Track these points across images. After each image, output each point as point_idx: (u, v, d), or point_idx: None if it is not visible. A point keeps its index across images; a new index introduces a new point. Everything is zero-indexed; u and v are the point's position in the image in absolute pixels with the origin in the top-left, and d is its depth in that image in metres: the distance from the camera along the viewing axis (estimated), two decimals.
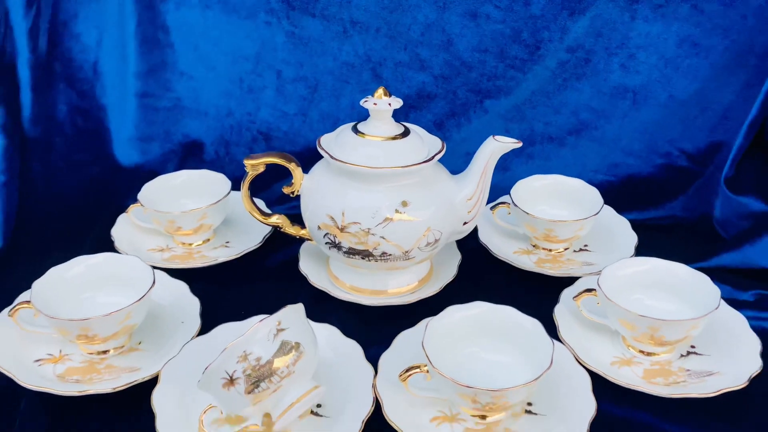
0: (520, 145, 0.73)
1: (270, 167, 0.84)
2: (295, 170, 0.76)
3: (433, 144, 0.75)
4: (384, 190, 0.71)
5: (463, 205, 0.74)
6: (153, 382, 0.64)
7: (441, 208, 0.73)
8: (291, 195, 0.77)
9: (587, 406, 0.62)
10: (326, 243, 0.74)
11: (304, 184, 0.76)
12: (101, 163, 0.96)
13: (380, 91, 0.73)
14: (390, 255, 0.72)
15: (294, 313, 0.59)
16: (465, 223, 0.76)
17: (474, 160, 0.75)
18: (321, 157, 0.75)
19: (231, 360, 0.55)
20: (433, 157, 0.72)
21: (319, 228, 0.74)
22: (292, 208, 0.82)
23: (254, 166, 0.75)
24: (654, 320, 0.65)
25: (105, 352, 0.70)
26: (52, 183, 0.92)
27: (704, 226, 0.91)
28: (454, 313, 0.66)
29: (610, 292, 0.69)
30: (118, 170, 0.96)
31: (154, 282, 0.69)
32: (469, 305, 0.66)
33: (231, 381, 0.56)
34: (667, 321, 0.65)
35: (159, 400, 0.62)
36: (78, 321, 0.64)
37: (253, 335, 0.56)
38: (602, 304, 0.70)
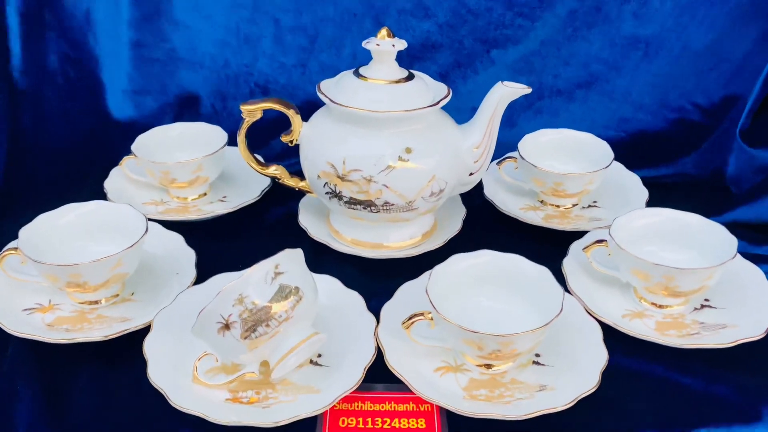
0: (529, 91, 0.70)
1: (268, 122, 0.81)
2: (294, 117, 0.72)
3: (439, 90, 0.72)
4: (387, 137, 0.68)
5: (470, 154, 0.71)
6: (146, 331, 0.62)
7: (446, 156, 0.70)
8: (290, 144, 0.74)
9: (598, 357, 0.59)
10: (326, 193, 0.71)
11: (303, 132, 0.73)
12: (94, 117, 0.92)
13: (383, 31, 0.69)
14: (393, 205, 0.70)
15: (293, 256, 0.56)
16: (471, 174, 0.73)
17: (481, 107, 0.72)
18: None
19: (226, 303, 0.53)
20: (438, 102, 0.69)
21: (318, 177, 0.71)
22: (291, 165, 0.79)
23: (251, 112, 0.72)
24: (669, 269, 0.62)
25: (96, 302, 0.67)
26: (42, 136, 0.89)
27: (717, 183, 0.88)
28: (459, 261, 0.63)
29: (623, 242, 0.66)
30: (111, 124, 0.93)
31: (147, 229, 0.67)
32: (476, 253, 0.64)
33: (226, 326, 0.53)
34: (682, 269, 0.62)
35: (151, 347, 0.59)
36: (67, 267, 0.62)
37: (249, 278, 0.53)
38: (614, 254, 0.67)
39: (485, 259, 0.63)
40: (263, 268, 0.54)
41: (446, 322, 0.56)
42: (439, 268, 0.62)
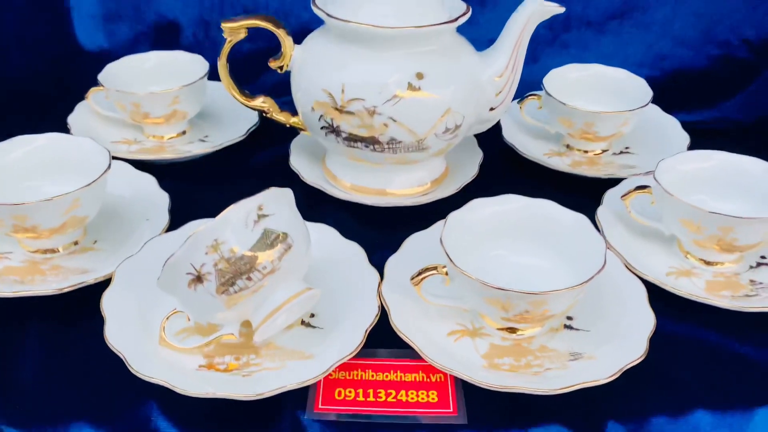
0: (562, 10, 0.59)
1: (256, 55, 0.70)
2: (285, 39, 0.62)
3: (456, 8, 0.61)
4: (394, 59, 0.57)
5: (491, 84, 0.61)
6: (107, 285, 0.52)
7: (464, 85, 0.59)
8: (279, 71, 0.63)
9: (644, 321, 0.50)
10: (322, 128, 0.61)
11: (295, 55, 0.62)
12: (59, 45, 0.81)
13: None
14: (400, 143, 0.59)
15: (280, 197, 0.46)
16: (492, 109, 0.62)
17: (506, 29, 0.61)
18: None
19: (198, 250, 0.43)
20: (457, 19, 0.58)
21: (313, 109, 0.60)
22: (284, 104, 0.69)
23: (233, 30, 0.61)
24: (728, 218, 0.52)
25: (53, 251, 0.58)
26: (0, 65, 0.78)
27: (764, 129, 0.78)
28: (480, 206, 0.53)
29: (671, 188, 0.56)
30: (79, 54, 0.82)
31: (109, 166, 0.56)
32: (499, 198, 0.54)
33: (198, 278, 0.43)
34: (743, 219, 0.53)
35: (110, 303, 0.50)
36: (9, 206, 0.52)
37: (226, 220, 0.43)
38: (659, 202, 0.58)
39: (511, 205, 0.53)
40: (244, 208, 0.44)
41: (465, 278, 0.47)
42: (456, 215, 0.52)
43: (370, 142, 0.60)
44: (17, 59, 0.79)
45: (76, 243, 0.58)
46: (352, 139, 0.60)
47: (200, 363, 0.48)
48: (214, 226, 0.43)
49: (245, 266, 0.44)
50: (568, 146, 0.74)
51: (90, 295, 0.52)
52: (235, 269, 0.44)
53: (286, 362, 0.48)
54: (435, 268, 0.50)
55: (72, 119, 0.73)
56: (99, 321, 0.49)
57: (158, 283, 0.45)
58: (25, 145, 0.60)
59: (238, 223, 0.44)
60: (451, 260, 0.48)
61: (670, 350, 0.51)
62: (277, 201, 0.46)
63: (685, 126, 0.75)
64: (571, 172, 0.69)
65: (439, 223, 0.59)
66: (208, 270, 0.43)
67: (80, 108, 0.75)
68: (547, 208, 0.53)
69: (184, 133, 0.74)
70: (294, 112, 0.66)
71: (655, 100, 0.77)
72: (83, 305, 0.53)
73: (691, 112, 0.79)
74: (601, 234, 0.59)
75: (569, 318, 0.52)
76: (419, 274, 0.50)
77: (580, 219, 0.52)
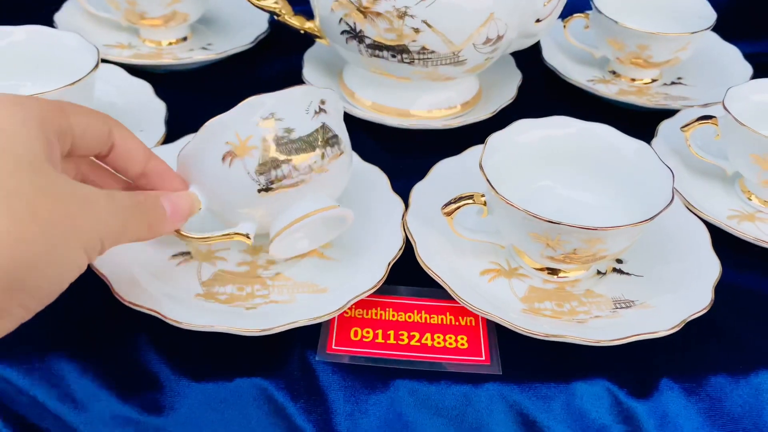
0: None
1: None
2: None
3: None
4: None
5: None
6: None
7: None
8: None
9: (708, 267, 0.43)
10: (342, 34, 0.53)
11: None
12: None
13: None
14: (432, 53, 0.52)
15: (337, 101, 0.42)
16: (538, 21, 0.54)
17: None
18: None
19: (249, 118, 0.37)
20: None
21: (332, 10, 0.52)
22: (301, 13, 0.60)
23: None
24: None
25: None
26: None
27: None
28: (526, 129, 0.46)
29: (742, 118, 0.49)
30: None
31: (97, 65, 0.49)
32: (549, 120, 0.46)
33: (238, 150, 0.37)
34: None
35: None
36: None
37: (290, 96, 0.38)
38: (725, 135, 0.50)
39: (562, 129, 0.46)
40: (308, 93, 0.39)
41: (508, 208, 0.40)
42: (498, 137, 0.45)
43: (399, 51, 0.52)
44: None
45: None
46: (377, 47, 0.52)
47: (197, 291, 0.41)
48: (276, 98, 0.37)
49: (297, 152, 0.38)
50: (614, 73, 0.66)
51: None
52: (285, 151, 0.37)
53: (296, 296, 0.42)
54: (471, 196, 0.43)
55: (59, 17, 0.65)
56: None
57: (181, 153, 0.39)
58: (1, 38, 0.52)
59: (301, 105, 0.38)
60: (492, 187, 0.41)
61: (731, 302, 0.45)
62: (335, 104, 0.41)
63: (748, 57, 0.67)
64: (618, 99, 0.61)
65: (472, 149, 0.51)
66: (254, 143, 0.37)
67: (69, 5, 0.66)
68: (604, 134, 0.45)
69: (185, 39, 0.66)
70: (310, 17, 0.58)
71: (714, 27, 0.68)
72: None
73: (755, 41, 0.71)
74: None
75: (619, 261, 0.46)
76: (453, 202, 0.43)
77: (643, 148, 0.44)
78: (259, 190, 0.37)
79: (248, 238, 0.40)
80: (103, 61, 0.57)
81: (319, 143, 0.39)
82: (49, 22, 0.64)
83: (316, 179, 0.39)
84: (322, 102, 0.40)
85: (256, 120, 0.37)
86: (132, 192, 0.35)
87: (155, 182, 0.38)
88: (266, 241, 0.41)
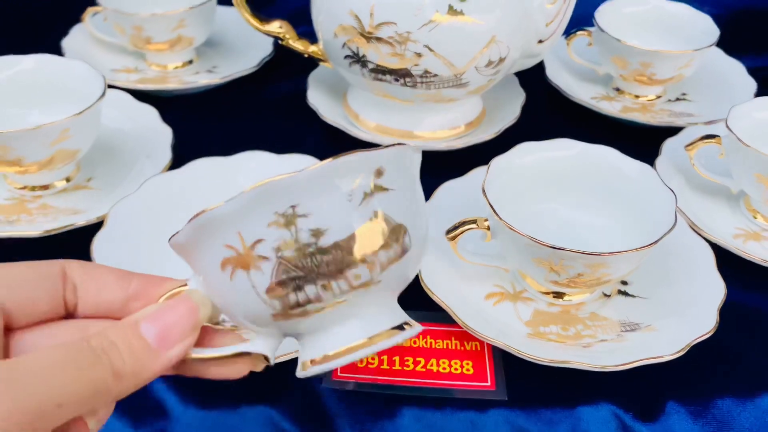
0: None
1: None
2: None
3: None
4: None
5: (542, 12, 0.53)
6: (99, 228, 0.46)
7: (512, 11, 0.51)
8: None
9: (712, 289, 0.43)
10: (345, 58, 0.53)
11: None
12: None
13: None
14: (435, 77, 0.52)
15: (406, 159, 0.27)
16: (540, 42, 0.55)
17: None
18: None
19: (257, 215, 0.24)
20: None
21: (335, 36, 0.53)
22: (303, 35, 0.61)
23: None
24: None
25: (43, 188, 0.51)
26: None
27: None
28: (529, 151, 0.46)
29: (745, 137, 0.49)
30: None
31: (104, 92, 0.49)
32: (552, 143, 0.47)
33: (242, 260, 0.24)
34: None
35: (101, 248, 0.44)
36: None
37: (321, 177, 0.24)
38: (731, 153, 0.50)
39: (565, 151, 0.46)
40: (354, 167, 0.25)
41: (511, 233, 0.40)
42: (501, 160, 0.45)
43: (401, 74, 0.52)
44: None
45: (68, 180, 0.52)
46: (379, 71, 0.52)
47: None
48: (298, 183, 0.24)
49: (330, 265, 0.24)
50: (618, 90, 0.66)
51: (81, 239, 0.46)
52: (311, 266, 0.24)
53: None
54: (475, 221, 0.43)
55: (66, 43, 0.65)
56: None
57: (171, 242, 0.26)
58: (10, 67, 0.53)
59: (340, 191, 0.24)
60: (495, 212, 0.41)
61: (738, 324, 0.45)
62: (403, 167, 0.26)
63: (751, 72, 0.67)
64: (621, 117, 0.61)
65: (476, 171, 0.52)
66: (264, 252, 0.24)
67: (76, 31, 0.67)
68: (606, 155, 0.45)
69: (190, 62, 0.66)
70: (313, 41, 0.59)
71: (717, 42, 0.68)
72: (72, 250, 0.46)
73: (758, 56, 0.71)
74: None
75: (624, 283, 0.46)
76: (456, 227, 0.43)
77: (645, 170, 0.44)
78: (275, 315, 0.25)
79: (267, 360, 0.27)
80: (110, 86, 0.57)
81: (371, 243, 0.25)
82: (57, 48, 0.65)
83: (365, 294, 0.25)
84: (379, 174, 0.25)
85: (267, 218, 0.24)
86: (65, 343, 0.23)
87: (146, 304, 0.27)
88: None
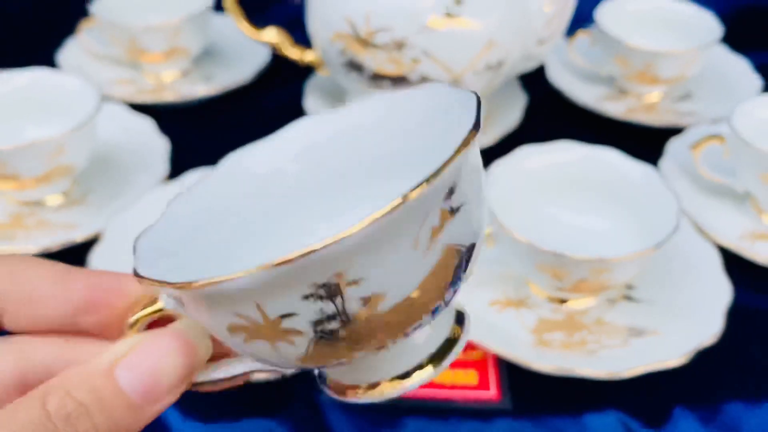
0: None
1: None
2: None
3: None
4: None
5: (540, 14, 0.52)
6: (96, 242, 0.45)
7: (509, 14, 0.51)
8: (293, 2, 0.55)
9: (718, 292, 0.43)
10: (342, 65, 0.53)
11: None
12: None
13: None
14: (432, 81, 0.51)
15: (470, 158, 0.19)
16: (540, 44, 0.54)
17: None
18: None
19: (290, 288, 0.17)
20: None
21: (332, 42, 0.52)
22: (300, 42, 0.60)
23: None
24: None
25: (40, 204, 0.51)
26: None
27: None
28: (529, 156, 0.45)
29: (749, 137, 0.48)
30: None
31: (99, 106, 0.49)
32: (554, 146, 0.46)
33: (265, 331, 0.18)
34: None
35: (99, 263, 0.43)
36: None
37: (377, 234, 0.16)
38: (735, 153, 0.49)
39: (566, 154, 0.45)
40: (420, 205, 0.17)
41: (512, 239, 0.39)
42: (500, 165, 0.44)
43: (399, 80, 0.51)
44: None
45: (65, 195, 0.52)
46: (377, 77, 0.52)
47: None
48: (344, 247, 0.16)
49: (387, 330, 0.19)
50: (621, 90, 0.65)
51: (80, 254, 0.46)
52: (364, 334, 0.18)
53: None
54: None
55: (62, 56, 0.65)
56: None
57: (147, 284, 0.19)
58: (6, 82, 0.52)
59: (403, 242, 0.17)
60: (496, 218, 0.40)
61: (746, 326, 0.44)
62: (470, 168, 0.19)
63: (758, 68, 0.66)
64: (625, 119, 0.61)
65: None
66: (296, 326, 0.18)
67: (71, 44, 0.67)
68: (609, 158, 0.45)
69: (186, 73, 0.66)
70: (309, 47, 0.58)
71: (722, 39, 0.67)
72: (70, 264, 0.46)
73: (765, 51, 0.70)
74: None
75: (629, 287, 0.45)
76: None
77: (648, 172, 0.44)
78: (300, 361, 0.19)
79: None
80: (106, 98, 0.57)
81: (434, 295, 0.19)
82: (52, 60, 0.65)
83: (418, 334, 0.20)
84: (450, 193, 0.18)
85: (302, 290, 0.17)
86: (10, 417, 0.16)
87: (105, 323, 0.21)
88: None
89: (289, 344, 0.18)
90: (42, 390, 0.17)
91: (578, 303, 0.43)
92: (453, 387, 0.40)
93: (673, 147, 0.55)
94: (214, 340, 0.21)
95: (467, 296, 0.43)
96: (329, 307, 0.17)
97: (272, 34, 0.57)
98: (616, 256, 0.38)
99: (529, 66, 0.56)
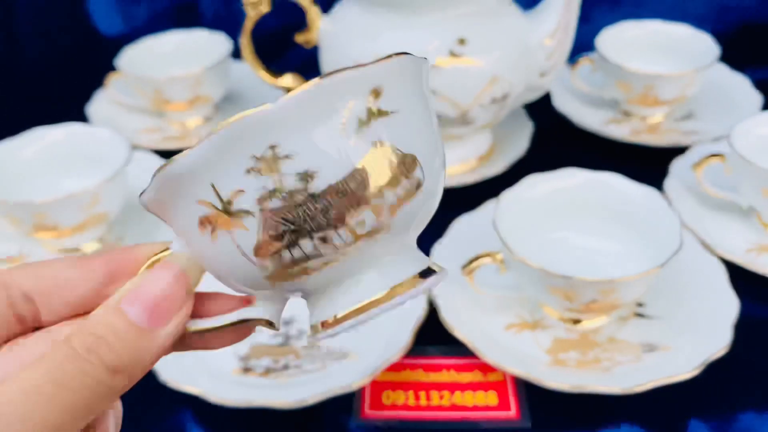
0: None
1: (281, 31, 0.65)
2: (310, 8, 0.57)
3: None
4: (432, 25, 0.52)
5: (541, 48, 0.55)
6: None
7: (511, 50, 0.53)
8: (306, 46, 0.58)
9: (726, 305, 0.44)
10: None
11: (322, 27, 0.57)
12: (76, 31, 0.78)
13: None
14: (441, 117, 0.54)
15: (406, 74, 0.21)
16: (542, 75, 0.56)
17: None
18: None
19: (229, 161, 0.20)
20: None
21: None
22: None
23: (255, 5, 0.56)
24: None
25: (75, 250, 0.54)
26: (14, 55, 0.75)
27: None
28: (536, 183, 0.48)
29: (749, 155, 0.50)
30: (97, 40, 0.78)
31: (130, 157, 0.52)
32: (558, 173, 0.48)
33: (222, 217, 0.20)
34: None
35: None
36: (28, 205, 0.48)
37: (301, 104, 0.19)
38: (736, 170, 0.51)
39: (572, 180, 0.48)
40: (340, 89, 0.20)
41: (523, 265, 0.42)
42: (510, 193, 0.47)
43: None
44: (32, 47, 0.75)
45: (99, 241, 0.55)
46: None
47: (234, 367, 0.44)
48: (274, 117, 0.19)
49: (326, 214, 0.20)
50: (625, 113, 0.67)
51: None
52: (303, 217, 0.20)
53: (327, 364, 0.44)
54: (488, 255, 0.45)
55: (91, 108, 0.69)
56: None
57: (141, 199, 0.22)
58: (41, 138, 0.56)
59: (328, 121, 0.20)
60: (506, 245, 0.42)
61: (755, 338, 0.45)
62: (405, 83, 0.21)
63: (757, 84, 0.68)
64: (631, 141, 0.63)
65: (489, 204, 0.53)
66: (245, 206, 0.20)
67: (100, 96, 0.71)
68: (612, 182, 0.47)
69: (209, 119, 0.69)
70: None
71: (721, 58, 0.70)
72: None
73: (763, 68, 0.71)
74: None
75: (639, 305, 0.47)
76: (472, 261, 0.45)
77: (650, 194, 0.46)
78: (270, 277, 0.21)
79: (271, 325, 0.23)
80: (135, 147, 0.60)
81: (372, 188, 0.20)
82: (82, 112, 0.69)
83: (372, 246, 0.21)
84: (376, 94, 0.20)
85: (244, 163, 0.20)
86: (43, 356, 0.19)
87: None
88: None
89: (242, 230, 0.20)
90: (66, 335, 0.20)
91: (591, 322, 0.45)
92: (475, 408, 0.42)
93: (677, 166, 0.57)
94: (197, 301, 0.23)
95: (485, 321, 0.45)
96: (269, 182, 0.19)
97: (289, 80, 0.60)
98: (623, 276, 0.40)
99: (534, 96, 0.59)
